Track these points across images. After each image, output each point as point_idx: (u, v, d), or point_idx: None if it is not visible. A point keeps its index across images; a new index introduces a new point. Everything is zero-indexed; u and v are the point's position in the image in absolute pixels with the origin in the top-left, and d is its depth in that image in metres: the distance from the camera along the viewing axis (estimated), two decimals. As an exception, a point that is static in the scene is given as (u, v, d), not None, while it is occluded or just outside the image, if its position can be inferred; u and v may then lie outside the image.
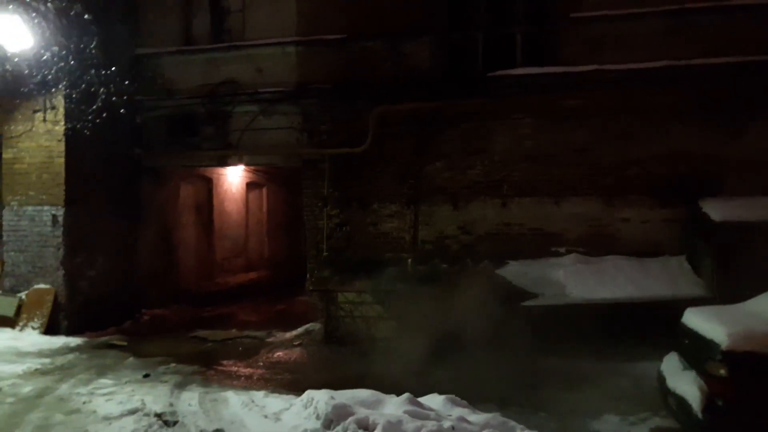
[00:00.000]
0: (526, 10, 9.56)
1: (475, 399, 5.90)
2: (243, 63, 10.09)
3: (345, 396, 5.28)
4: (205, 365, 7.97)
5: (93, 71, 8.12)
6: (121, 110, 8.74)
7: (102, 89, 8.23)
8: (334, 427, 4.84)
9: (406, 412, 4.94)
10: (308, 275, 9.87)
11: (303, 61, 9.90)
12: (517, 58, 9.52)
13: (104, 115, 8.41)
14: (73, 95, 8.47)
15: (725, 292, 7.48)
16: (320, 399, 5.19)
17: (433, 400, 5.49)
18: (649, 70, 8.77)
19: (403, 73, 9.51)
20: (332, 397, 5.14)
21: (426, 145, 9.50)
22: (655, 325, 7.53)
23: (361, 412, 4.91)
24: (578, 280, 8.37)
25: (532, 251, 9.07)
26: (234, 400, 6.22)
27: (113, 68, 8.21)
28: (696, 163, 8.76)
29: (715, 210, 8.01)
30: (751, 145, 8.63)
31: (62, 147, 9.17)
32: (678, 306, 7.39)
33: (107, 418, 5.71)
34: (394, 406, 5.14)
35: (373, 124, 9.45)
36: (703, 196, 8.51)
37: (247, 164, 11.51)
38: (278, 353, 8.74)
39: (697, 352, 4.69)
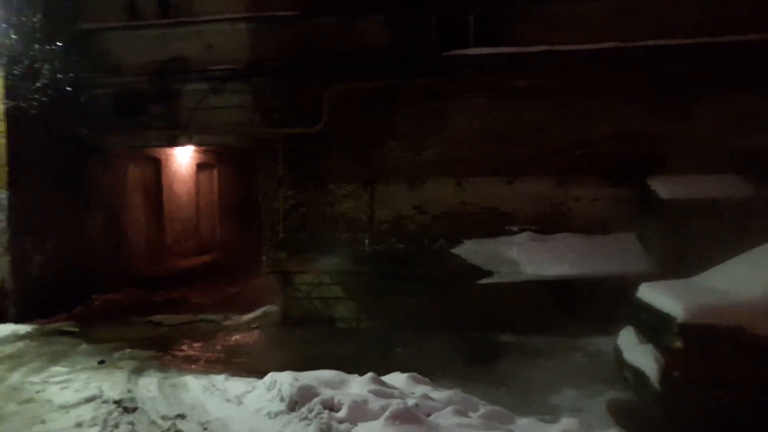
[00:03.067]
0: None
1: (434, 376, 6.01)
2: (192, 39, 9.70)
3: (309, 377, 5.25)
4: (162, 350, 7.79)
5: (35, 46, 7.58)
6: (67, 88, 8.23)
7: (45, 65, 7.71)
8: (298, 409, 4.81)
9: (370, 391, 4.95)
10: (264, 257, 9.71)
11: (255, 38, 9.59)
12: (470, 37, 9.51)
13: (48, 93, 7.90)
14: (15, 71, 7.92)
15: (674, 266, 7.76)
16: (284, 381, 5.14)
17: (396, 378, 5.54)
18: (598, 51, 8.90)
19: (358, 51, 9.36)
20: (296, 379, 5.10)
21: (382, 124, 9.42)
22: (607, 301, 7.83)
23: (326, 393, 4.89)
24: (532, 258, 8.53)
25: (486, 230, 9.16)
26: (194, 385, 6.11)
27: (57, 44, 7.68)
28: (644, 142, 9.00)
29: (663, 188, 8.29)
30: (696, 124, 8.91)
31: (3, 127, 8.67)
32: (629, 281, 7.69)
33: (64, 407, 5.53)
34: (358, 385, 5.15)
35: (328, 102, 9.30)
36: (651, 174, 8.79)
37: (197, 144, 11.15)
38: (236, 336, 8.61)
39: (653, 325, 4.86)
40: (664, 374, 4.40)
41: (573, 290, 8.17)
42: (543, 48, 9.00)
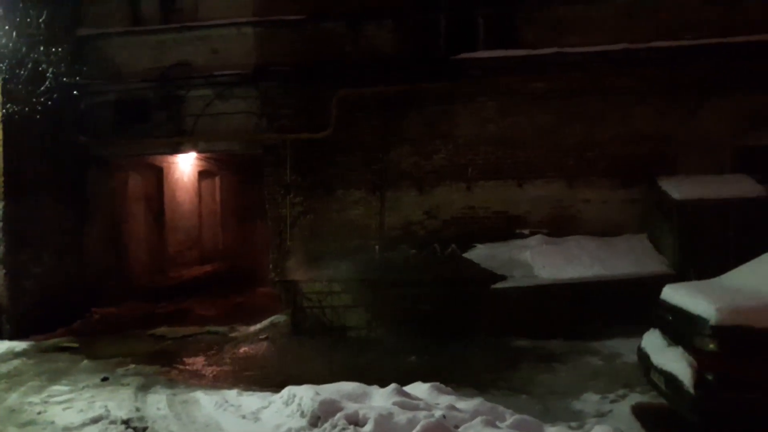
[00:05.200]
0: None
1: (454, 385, 5.84)
2: (197, 44, 9.60)
3: (329, 390, 5.08)
4: (168, 364, 7.55)
5: (40, 49, 7.39)
6: (66, 94, 8.04)
7: (47, 71, 7.51)
8: (321, 425, 4.63)
9: (395, 403, 4.79)
10: (271, 265, 9.55)
11: (261, 43, 9.49)
12: (480, 40, 9.44)
13: (47, 100, 7.71)
14: (13, 77, 7.71)
15: (688, 268, 7.72)
16: (304, 395, 4.97)
17: (418, 389, 5.37)
18: (608, 52, 8.89)
19: (366, 56, 9.30)
20: (317, 393, 4.93)
21: (390, 129, 9.33)
22: (621, 303, 7.74)
23: (350, 407, 4.72)
24: (545, 261, 8.42)
25: (497, 234, 9.09)
26: (205, 401, 5.89)
27: (50, 48, 7.49)
28: (654, 143, 8.98)
29: (675, 189, 8.22)
30: (704, 125, 8.92)
31: (0, 134, 8.44)
32: (644, 283, 7.70)
33: (68, 429, 5.26)
34: (381, 397, 4.98)
35: (336, 108, 9.19)
36: (661, 175, 8.73)
37: (202, 151, 10.98)
38: (244, 348, 8.41)
39: (682, 328, 4.73)
40: (698, 377, 4.27)
41: (587, 293, 8.04)
42: (552, 50, 8.96)
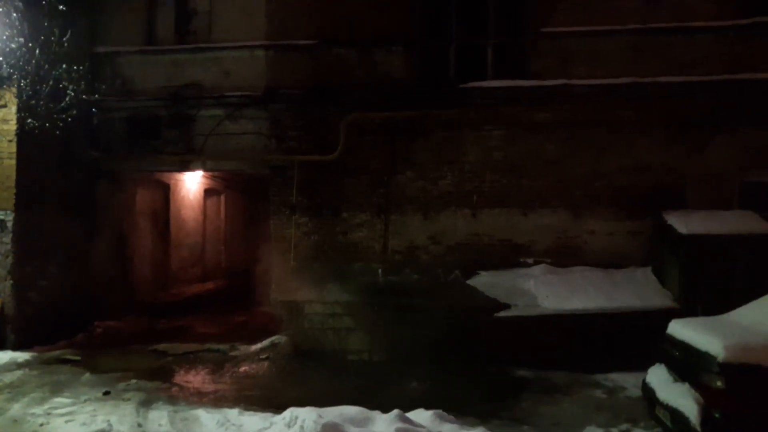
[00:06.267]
0: (498, 22, 9.60)
1: (455, 413, 5.80)
2: (209, 65, 9.72)
3: (332, 414, 5.06)
4: (169, 381, 7.55)
5: (47, 68, 7.52)
6: (77, 111, 8.14)
7: (67, 88, 7.63)
8: (323, 448, 4.62)
9: (397, 430, 4.77)
10: (273, 285, 9.55)
11: (273, 66, 9.62)
12: (488, 69, 9.56)
13: (60, 115, 7.80)
14: (27, 93, 7.83)
15: (693, 303, 7.71)
16: (306, 417, 4.95)
17: (421, 416, 5.35)
18: (615, 85, 8.99)
19: (376, 81, 9.39)
20: (320, 416, 4.90)
21: (398, 153, 9.39)
22: (625, 336, 7.72)
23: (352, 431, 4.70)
24: (549, 291, 8.41)
25: (501, 262, 9.09)
26: (207, 419, 5.86)
27: (72, 66, 7.62)
28: (660, 176, 9.01)
29: (681, 223, 8.22)
30: (710, 159, 8.95)
31: (13, 148, 8.53)
32: (648, 317, 7.71)
33: (71, 442, 5.26)
34: (383, 423, 4.96)
35: (345, 131, 9.27)
36: (666, 208, 8.75)
37: (210, 170, 11.05)
38: (244, 368, 8.36)
39: (689, 364, 4.72)
40: (705, 415, 4.26)
41: (591, 324, 8.01)
42: (560, 82, 9.07)
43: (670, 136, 9.01)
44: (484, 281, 8.80)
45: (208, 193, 14.08)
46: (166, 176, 11.93)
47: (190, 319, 11.53)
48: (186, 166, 10.29)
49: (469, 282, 8.83)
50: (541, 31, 9.29)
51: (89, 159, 9.89)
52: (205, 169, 10.66)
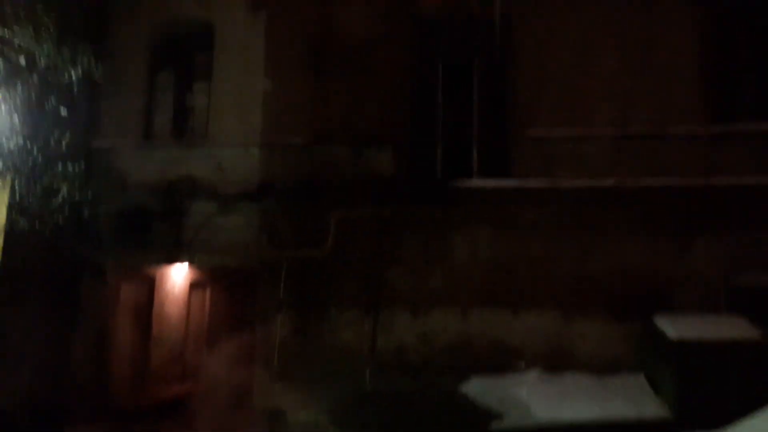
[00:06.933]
0: (482, 123, 9.96)
1: None
2: (204, 160, 9.91)
3: None
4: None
5: (43, 166, 7.61)
6: (75, 207, 8.17)
7: (61, 187, 7.69)
8: None
9: None
10: (256, 389, 9.20)
11: (266, 162, 9.82)
12: (474, 168, 9.79)
13: (58, 215, 7.82)
14: (29, 194, 7.86)
15: (688, 413, 7.46)
16: None
17: None
18: (599, 188, 9.20)
19: (366, 178, 9.60)
20: None
21: (387, 250, 9.39)
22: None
23: None
24: (542, 399, 8.10)
25: (492, 364, 8.83)
26: None
27: (68, 164, 7.73)
28: (648, 279, 9.01)
29: (671, 327, 8.09)
30: (697, 263, 9.00)
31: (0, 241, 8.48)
32: (643, 428, 7.45)
33: None
34: None
35: (335, 227, 9.34)
36: (656, 311, 8.66)
37: (199, 264, 10.99)
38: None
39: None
40: None
41: (586, 435, 7.70)
42: (543, 183, 9.29)
43: (656, 238, 9.09)
44: (477, 389, 8.45)
45: (194, 286, 13.81)
46: (152, 269, 11.76)
47: (169, 423, 10.96)
48: (174, 260, 10.22)
49: (462, 387, 8.53)
50: (524, 133, 9.59)
51: (76, 254, 9.79)
52: (194, 263, 10.58)
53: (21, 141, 7.34)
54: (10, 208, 8.12)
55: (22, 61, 7.16)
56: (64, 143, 7.72)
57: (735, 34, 9.63)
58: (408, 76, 10.03)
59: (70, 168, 7.80)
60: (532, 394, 8.12)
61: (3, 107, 6.99)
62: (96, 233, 9.97)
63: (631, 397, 8.13)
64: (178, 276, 12.98)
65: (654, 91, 9.35)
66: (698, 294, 8.94)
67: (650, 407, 7.91)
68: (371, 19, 10.06)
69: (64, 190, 7.82)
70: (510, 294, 9.22)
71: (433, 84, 10.16)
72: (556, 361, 8.85)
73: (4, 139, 7.18)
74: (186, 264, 11.48)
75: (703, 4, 9.46)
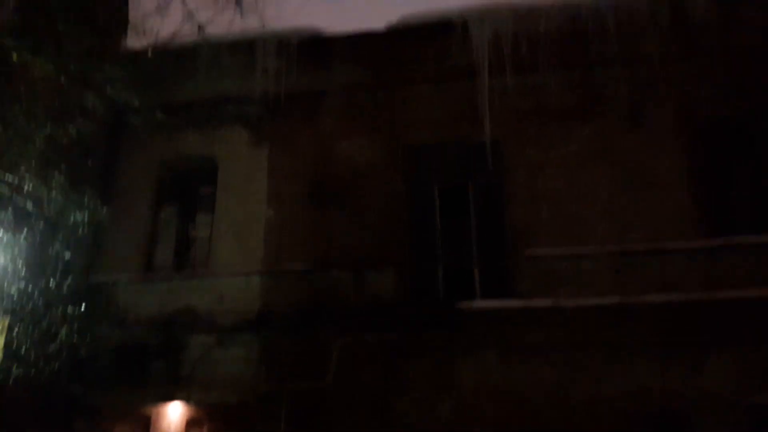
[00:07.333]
0: (482, 245, 10.05)
1: None
2: (204, 291, 9.88)
3: None
4: None
5: (42, 309, 7.56)
6: (72, 349, 8.01)
7: (59, 331, 7.59)
8: None
9: None
10: None
11: (267, 290, 9.78)
12: (476, 289, 9.75)
13: (47, 362, 7.65)
14: (26, 339, 7.75)
15: None
16: None
17: None
18: (603, 306, 9.00)
19: (367, 302, 9.53)
20: None
21: (391, 379, 9.08)
22: None
23: None
24: None
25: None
26: None
27: (67, 306, 7.69)
28: (663, 400, 8.56)
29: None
30: (711, 382, 8.55)
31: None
32: None
33: None
34: None
35: (337, 354, 9.15)
36: (676, 433, 8.26)
37: (196, 402, 10.57)
38: None
39: None
40: None
41: None
42: (547, 303, 9.13)
43: (667, 357, 8.73)
44: None
45: (190, 424, 13.17)
46: (148, 408, 11.27)
47: None
48: (171, 399, 9.85)
49: None
50: (523, 252, 9.60)
51: (71, 395, 9.47)
52: (191, 401, 10.19)
53: (22, 285, 7.35)
54: (5, 351, 7.95)
55: (30, 206, 7.34)
56: (65, 285, 7.73)
57: (726, 149, 9.92)
58: (405, 201, 10.26)
59: (69, 310, 7.74)
60: None
61: (7, 253, 7.07)
62: (92, 371, 9.68)
63: None
64: (174, 415, 12.41)
65: (650, 207, 9.41)
66: (717, 414, 8.47)
67: None
68: (368, 150, 10.48)
69: (62, 333, 7.72)
70: (523, 423, 8.73)
71: (431, 207, 10.39)
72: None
73: (5, 284, 7.20)
74: (183, 402, 11.03)
75: (691, 124, 9.80)
